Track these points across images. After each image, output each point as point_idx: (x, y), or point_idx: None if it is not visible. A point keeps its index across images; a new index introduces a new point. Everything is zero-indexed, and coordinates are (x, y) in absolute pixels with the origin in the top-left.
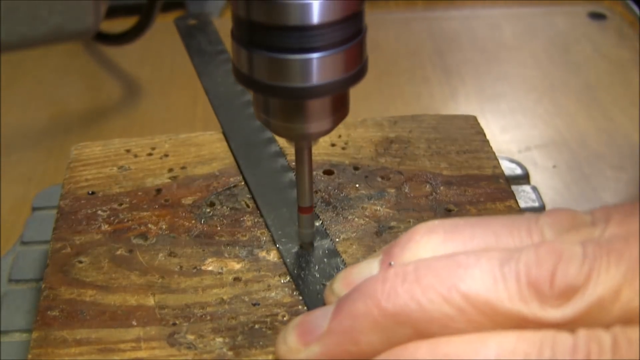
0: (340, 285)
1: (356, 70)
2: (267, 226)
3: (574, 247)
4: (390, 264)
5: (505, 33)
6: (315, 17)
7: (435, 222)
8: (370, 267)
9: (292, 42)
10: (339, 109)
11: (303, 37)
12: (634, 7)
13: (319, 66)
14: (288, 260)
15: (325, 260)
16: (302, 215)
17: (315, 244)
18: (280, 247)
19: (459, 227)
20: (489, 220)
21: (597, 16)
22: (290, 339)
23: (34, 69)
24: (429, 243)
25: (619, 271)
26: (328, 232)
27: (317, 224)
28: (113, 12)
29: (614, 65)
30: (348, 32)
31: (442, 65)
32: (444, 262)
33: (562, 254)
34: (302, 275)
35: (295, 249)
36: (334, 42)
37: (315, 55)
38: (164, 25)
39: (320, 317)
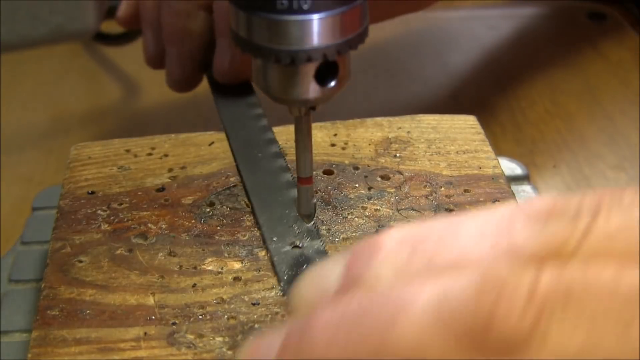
0: (306, 290)
1: (357, 33)
2: (258, 226)
3: (522, 278)
4: (349, 285)
5: (505, 33)
6: None
7: (406, 231)
8: (332, 273)
9: (291, 2)
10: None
11: None
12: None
13: (318, 28)
14: (276, 259)
15: (314, 262)
16: (302, 186)
17: (306, 245)
18: (271, 247)
19: (428, 238)
20: (461, 227)
21: (597, 16)
22: None
23: (34, 69)
24: (395, 261)
25: (579, 326)
26: (320, 233)
27: (309, 225)
28: (113, 12)
29: (613, 65)
30: None
31: (442, 65)
32: (377, 309)
33: (504, 288)
34: (288, 276)
35: (285, 249)
36: (335, 4)
37: (315, 16)
38: None
39: (271, 346)
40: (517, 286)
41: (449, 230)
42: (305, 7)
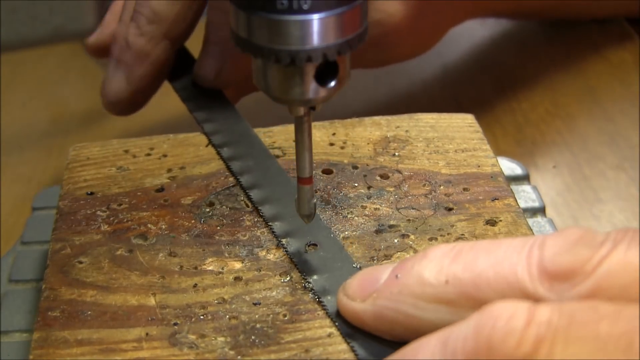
0: (354, 289)
1: (357, 33)
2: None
3: (519, 307)
4: (396, 277)
5: (505, 33)
6: None
7: (450, 245)
8: (382, 274)
9: (291, 2)
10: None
11: None
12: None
13: (318, 28)
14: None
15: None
16: (302, 186)
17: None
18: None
19: (465, 250)
20: (497, 244)
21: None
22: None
23: (34, 69)
24: (436, 265)
25: (584, 349)
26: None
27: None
28: None
29: (614, 66)
30: None
31: (441, 65)
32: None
33: (499, 318)
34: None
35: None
36: (335, 4)
37: (314, 16)
38: None
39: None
40: (514, 315)
41: (484, 250)
42: (305, 7)
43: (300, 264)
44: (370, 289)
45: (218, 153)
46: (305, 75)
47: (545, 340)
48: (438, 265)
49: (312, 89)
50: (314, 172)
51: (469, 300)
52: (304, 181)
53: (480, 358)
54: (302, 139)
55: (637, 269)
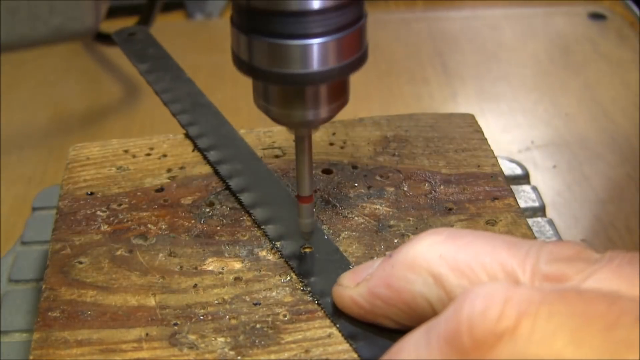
0: (348, 280)
1: (356, 56)
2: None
3: (497, 289)
4: (389, 256)
5: (505, 33)
6: (316, 2)
7: (443, 228)
8: (376, 263)
9: (292, 27)
10: (339, 97)
11: (303, 22)
12: (634, 8)
13: (319, 52)
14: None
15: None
16: (302, 204)
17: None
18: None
19: (462, 234)
20: (495, 236)
21: (597, 16)
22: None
23: (34, 69)
24: (430, 240)
25: (565, 325)
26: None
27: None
28: (113, 12)
29: (614, 65)
30: (348, 18)
31: (442, 65)
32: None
33: (477, 298)
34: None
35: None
36: (334, 28)
37: (315, 41)
38: (164, 25)
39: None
40: (492, 293)
41: (482, 236)
42: (306, 31)
43: (296, 267)
44: (365, 274)
45: (205, 157)
46: (306, 97)
47: (528, 314)
48: (433, 240)
49: (313, 111)
50: (313, 172)
51: (460, 278)
52: (304, 200)
53: (462, 337)
54: (302, 159)
55: (627, 279)
